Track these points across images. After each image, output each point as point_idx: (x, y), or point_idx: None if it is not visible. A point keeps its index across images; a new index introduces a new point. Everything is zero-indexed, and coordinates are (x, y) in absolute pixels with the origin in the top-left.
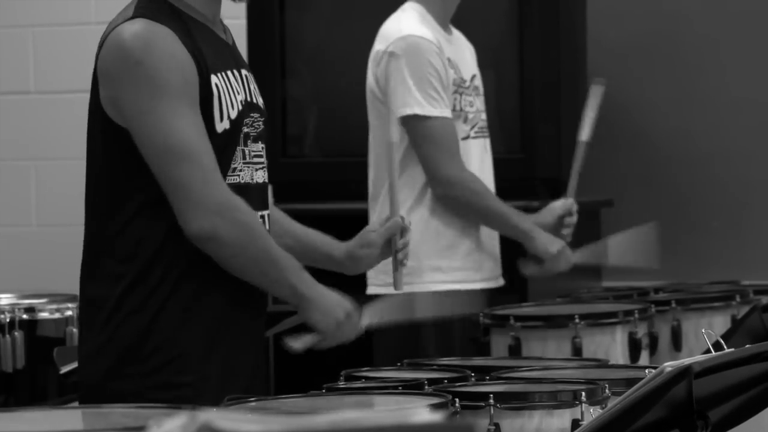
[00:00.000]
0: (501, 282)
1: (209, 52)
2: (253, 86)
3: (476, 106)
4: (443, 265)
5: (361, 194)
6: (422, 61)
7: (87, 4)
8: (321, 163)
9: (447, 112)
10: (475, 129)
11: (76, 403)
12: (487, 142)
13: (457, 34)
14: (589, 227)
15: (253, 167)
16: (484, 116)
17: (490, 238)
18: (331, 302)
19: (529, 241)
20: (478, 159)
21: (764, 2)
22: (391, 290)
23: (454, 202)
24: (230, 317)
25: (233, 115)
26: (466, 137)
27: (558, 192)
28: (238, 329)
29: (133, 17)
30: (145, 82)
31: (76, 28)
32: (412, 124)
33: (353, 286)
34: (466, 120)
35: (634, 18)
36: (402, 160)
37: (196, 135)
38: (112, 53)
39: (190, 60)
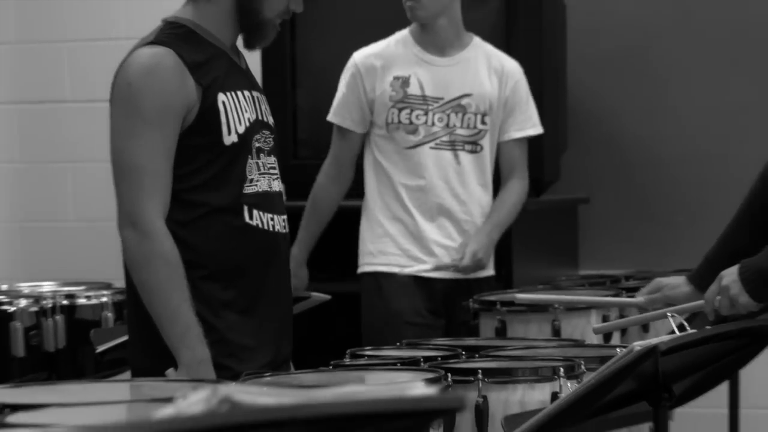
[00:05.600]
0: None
1: (220, 74)
2: (265, 107)
3: (447, 121)
4: (374, 250)
5: (359, 193)
6: (347, 68)
7: (117, 22)
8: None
9: (338, 120)
10: (437, 141)
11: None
12: (464, 155)
13: (462, 56)
14: (567, 221)
15: (269, 177)
16: (462, 131)
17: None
18: (196, 358)
19: None
20: (437, 170)
21: (722, 21)
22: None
23: None
24: (259, 308)
25: (240, 130)
26: (414, 146)
27: (539, 192)
28: (267, 317)
29: (151, 42)
30: (126, 103)
31: (106, 43)
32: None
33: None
34: (415, 131)
35: (609, 35)
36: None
37: (148, 157)
38: (120, 72)
39: (190, 86)
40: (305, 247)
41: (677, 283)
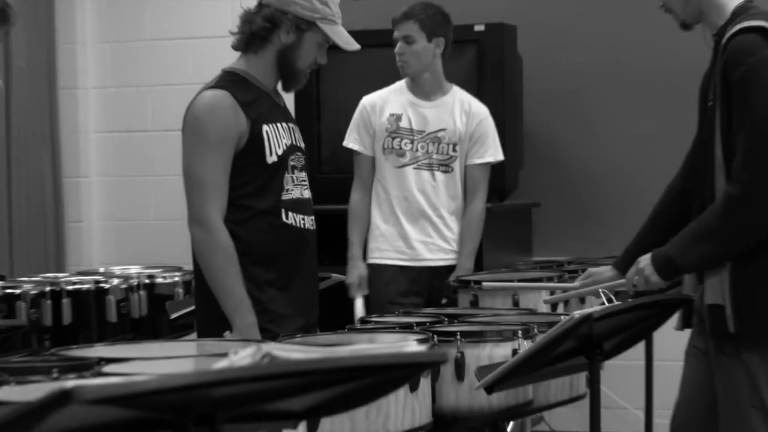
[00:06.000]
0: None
1: (264, 109)
2: (297, 134)
3: (427, 149)
4: (373, 247)
5: None
6: (358, 109)
7: (187, 71)
8: (342, 177)
9: (355, 146)
10: (418, 163)
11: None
12: (438, 174)
13: (443, 100)
14: (523, 220)
15: (301, 187)
16: (437, 156)
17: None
18: (246, 324)
19: None
20: (417, 184)
21: (638, 70)
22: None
23: None
24: (293, 285)
25: (279, 152)
26: (402, 166)
27: (502, 198)
28: (299, 292)
29: (213, 86)
30: (194, 132)
31: (179, 86)
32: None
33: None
34: (403, 155)
35: (554, 80)
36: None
37: (211, 172)
38: (190, 109)
39: (242, 119)
40: (360, 247)
41: (604, 270)
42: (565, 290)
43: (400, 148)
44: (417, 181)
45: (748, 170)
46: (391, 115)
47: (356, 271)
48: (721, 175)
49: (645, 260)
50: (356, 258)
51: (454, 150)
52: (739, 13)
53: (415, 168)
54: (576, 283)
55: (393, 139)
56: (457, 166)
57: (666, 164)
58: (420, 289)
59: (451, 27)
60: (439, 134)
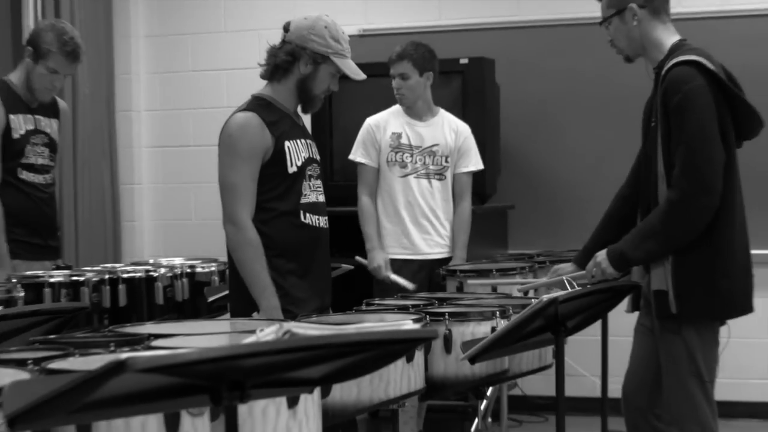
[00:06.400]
0: (420, 256)
1: (286, 128)
2: (314, 149)
3: (424, 161)
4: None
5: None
6: (363, 128)
7: (221, 96)
8: (350, 185)
9: (362, 160)
10: (418, 173)
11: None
12: (435, 182)
13: (434, 121)
14: (501, 220)
15: (317, 193)
16: (432, 167)
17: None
18: (271, 306)
19: None
20: (418, 190)
21: (597, 93)
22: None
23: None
24: (310, 274)
25: (299, 163)
26: (404, 176)
27: (483, 201)
28: (315, 280)
29: (244, 109)
30: (228, 146)
31: (215, 109)
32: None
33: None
34: (405, 166)
35: (527, 103)
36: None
37: (241, 180)
38: (225, 127)
39: (268, 136)
40: (376, 238)
41: (566, 266)
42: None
43: (403, 161)
44: (418, 188)
45: (685, 179)
46: (393, 133)
47: (380, 256)
48: (663, 183)
49: (601, 255)
50: (376, 248)
51: (446, 161)
52: (675, 50)
53: (415, 177)
54: (543, 279)
55: (396, 153)
56: (448, 174)
57: (617, 174)
58: (421, 278)
59: (437, 61)
60: (434, 149)
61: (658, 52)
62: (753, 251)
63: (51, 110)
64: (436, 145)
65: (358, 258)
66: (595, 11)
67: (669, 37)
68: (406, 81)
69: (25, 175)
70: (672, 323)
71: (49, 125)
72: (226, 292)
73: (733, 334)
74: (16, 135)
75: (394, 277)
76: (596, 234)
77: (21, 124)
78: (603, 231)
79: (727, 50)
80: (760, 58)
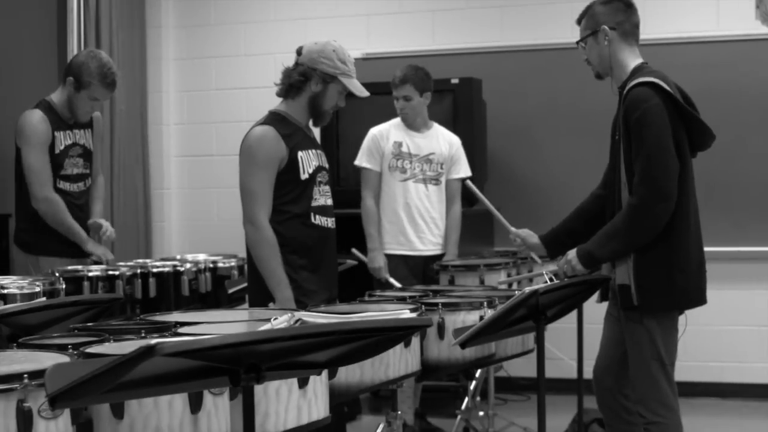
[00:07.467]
0: (418, 252)
1: (299, 140)
2: (324, 158)
3: (422, 168)
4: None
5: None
6: (368, 137)
7: (241, 111)
8: (355, 190)
9: (368, 165)
10: (416, 178)
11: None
12: (431, 186)
13: (429, 133)
14: (487, 221)
15: (326, 197)
16: (429, 173)
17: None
18: (285, 297)
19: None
20: (416, 194)
21: (574, 110)
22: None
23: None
24: (319, 269)
25: (310, 171)
26: (404, 180)
27: (471, 204)
28: (324, 274)
29: (262, 123)
30: (247, 156)
31: (236, 123)
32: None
33: (363, 247)
34: (405, 172)
35: (510, 118)
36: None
37: (260, 185)
38: (245, 139)
39: (283, 147)
40: (378, 239)
41: (532, 237)
42: (518, 272)
43: (403, 167)
44: (416, 192)
45: (643, 186)
46: (395, 142)
47: (380, 258)
48: (626, 190)
49: (572, 254)
50: (377, 248)
51: (441, 168)
52: (636, 71)
53: (414, 182)
54: (525, 273)
55: (397, 160)
56: (443, 179)
57: (589, 180)
58: (417, 273)
59: (432, 81)
60: (431, 157)
61: (623, 73)
62: (706, 248)
63: (85, 122)
64: (433, 153)
65: (354, 250)
66: (571, 37)
67: (633, 60)
68: (409, 102)
69: (62, 184)
70: (635, 313)
71: (83, 136)
72: (245, 285)
73: (690, 322)
74: (57, 150)
75: (392, 281)
76: (565, 221)
77: (62, 140)
78: (572, 220)
79: (684, 73)
80: (712, 79)
